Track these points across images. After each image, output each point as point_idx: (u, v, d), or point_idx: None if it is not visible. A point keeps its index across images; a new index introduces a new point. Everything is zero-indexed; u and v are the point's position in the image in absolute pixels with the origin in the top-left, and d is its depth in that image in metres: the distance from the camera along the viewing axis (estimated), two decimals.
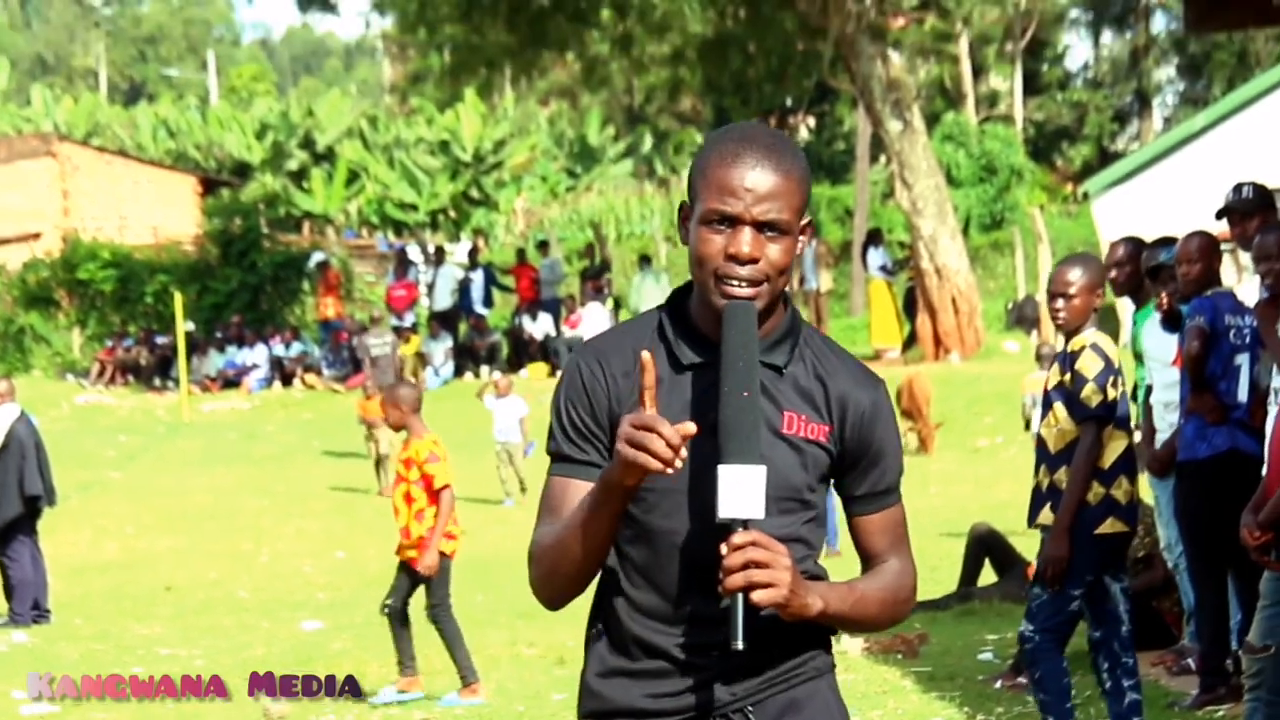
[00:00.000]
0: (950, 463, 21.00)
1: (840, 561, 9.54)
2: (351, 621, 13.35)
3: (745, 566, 2.94)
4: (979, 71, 54.51)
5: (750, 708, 3.18)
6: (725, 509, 2.96)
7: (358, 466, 22.40)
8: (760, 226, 3.08)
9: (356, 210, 51.46)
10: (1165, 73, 59.49)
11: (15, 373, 32.29)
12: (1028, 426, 20.26)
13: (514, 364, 30.89)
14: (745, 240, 3.07)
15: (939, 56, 52.09)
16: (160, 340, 34.30)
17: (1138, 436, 8.92)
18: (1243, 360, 8.09)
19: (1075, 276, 6.90)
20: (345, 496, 21.25)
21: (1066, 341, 7.02)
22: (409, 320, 31.73)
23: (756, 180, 3.07)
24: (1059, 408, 6.92)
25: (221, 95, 76.26)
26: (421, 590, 10.07)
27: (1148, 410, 9.11)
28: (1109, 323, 26.75)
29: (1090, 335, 6.90)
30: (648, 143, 58.54)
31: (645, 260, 34.20)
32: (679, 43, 31.89)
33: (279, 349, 33.13)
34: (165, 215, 41.67)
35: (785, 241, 3.10)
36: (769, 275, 3.09)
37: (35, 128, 54.73)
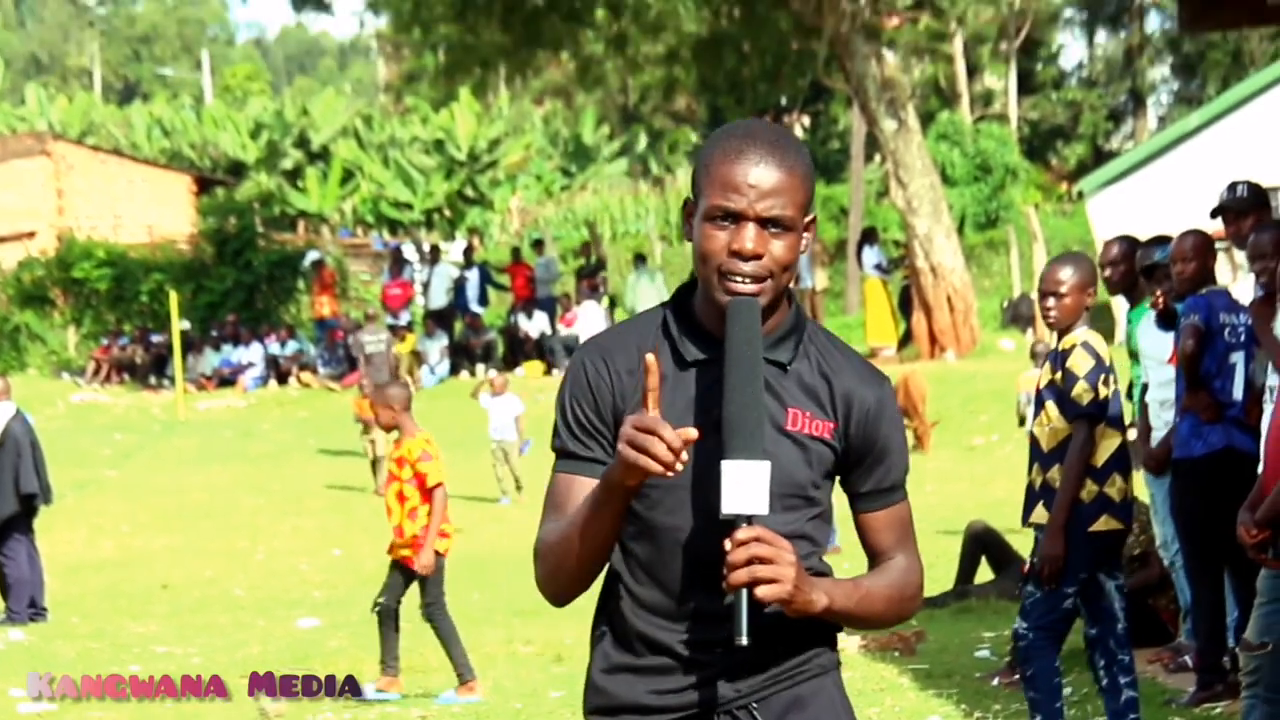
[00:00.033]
0: (946, 461, 21.02)
1: (839, 558, 9.55)
2: (348, 619, 13.35)
3: (749, 562, 2.94)
4: (973, 71, 54.53)
5: (755, 704, 3.18)
6: (729, 505, 2.96)
7: (354, 465, 22.40)
8: (764, 223, 3.08)
9: (351, 209, 51.43)
10: (1159, 72, 59.52)
11: (10, 371, 32.28)
12: (1022, 424, 20.28)
13: (509, 362, 30.90)
14: (749, 236, 3.07)
15: (933, 56, 52.11)
16: (156, 339, 34.30)
17: (1132, 434, 8.95)
18: (1238, 358, 8.11)
19: (1066, 275, 6.91)
20: (341, 495, 21.25)
21: (1059, 340, 7.04)
22: (404, 319, 31.73)
23: (760, 176, 3.08)
24: (1051, 406, 6.93)
25: (216, 94, 76.20)
26: (416, 589, 10.07)
27: (1143, 408, 9.13)
28: (1104, 321, 26.78)
29: (1081, 334, 6.91)
30: (642, 142, 58.53)
31: (640, 259, 34.20)
32: (673, 42, 31.90)
33: (274, 347, 33.13)
34: (160, 214, 41.66)
35: (789, 238, 3.10)
36: (773, 271, 3.09)
37: (30, 127, 54.70)
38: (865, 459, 3.21)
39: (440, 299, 32.23)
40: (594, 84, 38.11)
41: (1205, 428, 8.10)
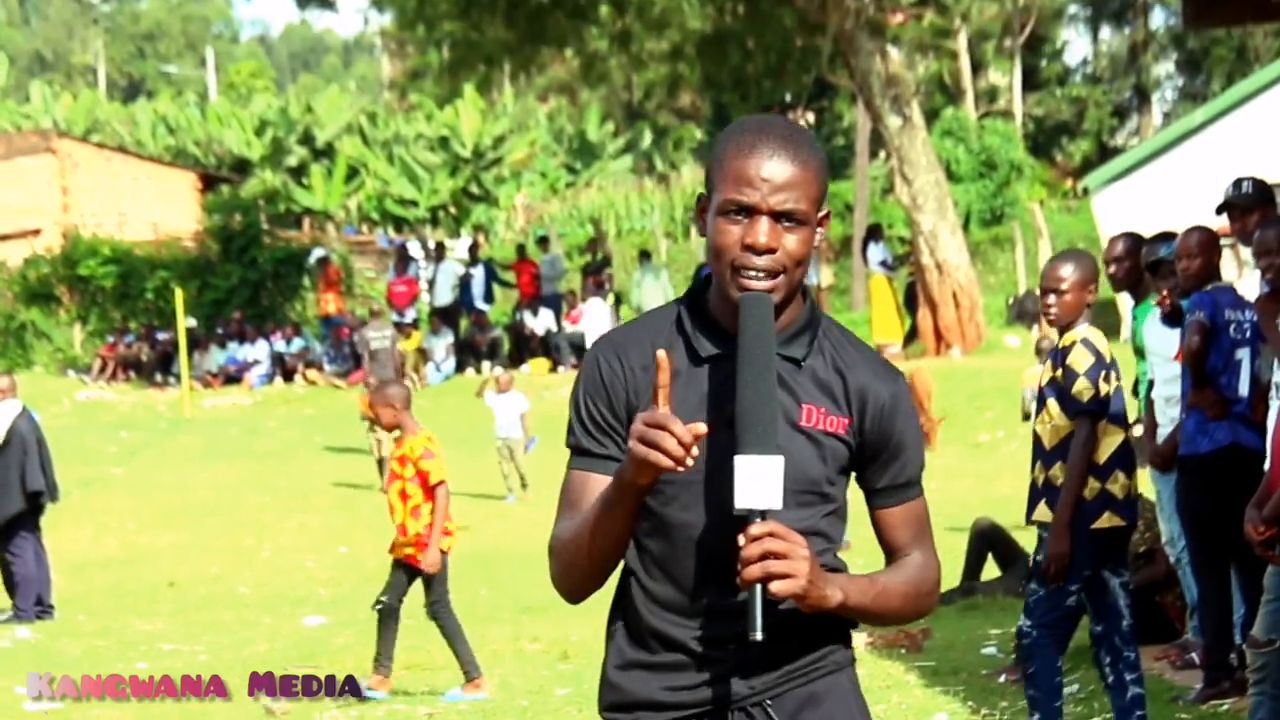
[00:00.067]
0: (952, 457, 21.02)
1: (849, 555, 9.55)
2: (354, 617, 13.35)
3: (763, 557, 2.94)
4: (978, 67, 54.49)
5: (769, 701, 3.17)
6: (742, 500, 2.96)
7: (359, 462, 22.41)
8: (777, 216, 3.08)
9: (356, 206, 51.44)
10: (1164, 68, 59.51)
11: (16, 369, 32.26)
12: (1027, 419, 20.29)
13: (515, 359, 30.91)
14: (762, 230, 3.07)
15: (938, 52, 52.08)
16: (161, 336, 34.32)
17: (1138, 430, 8.94)
18: (1243, 355, 8.11)
19: (1067, 272, 6.91)
20: (347, 492, 21.27)
21: (1060, 337, 7.05)
22: (410, 316, 31.74)
23: (773, 170, 3.07)
24: (1052, 403, 6.94)
25: (220, 92, 76.23)
26: (418, 588, 10.07)
27: (1149, 405, 9.12)
28: (1109, 317, 26.77)
29: (1081, 331, 6.91)
30: (647, 138, 58.52)
31: (645, 255, 34.21)
32: (678, 39, 31.90)
33: (280, 345, 33.14)
34: (165, 211, 41.68)
35: (803, 232, 3.10)
36: (786, 266, 3.09)
37: (35, 124, 54.71)
38: (880, 455, 3.21)
39: (445, 296, 32.24)
40: (598, 81, 38.13)
41: (1211, 424, 8.10)
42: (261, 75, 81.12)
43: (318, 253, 36.30)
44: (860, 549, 6.78)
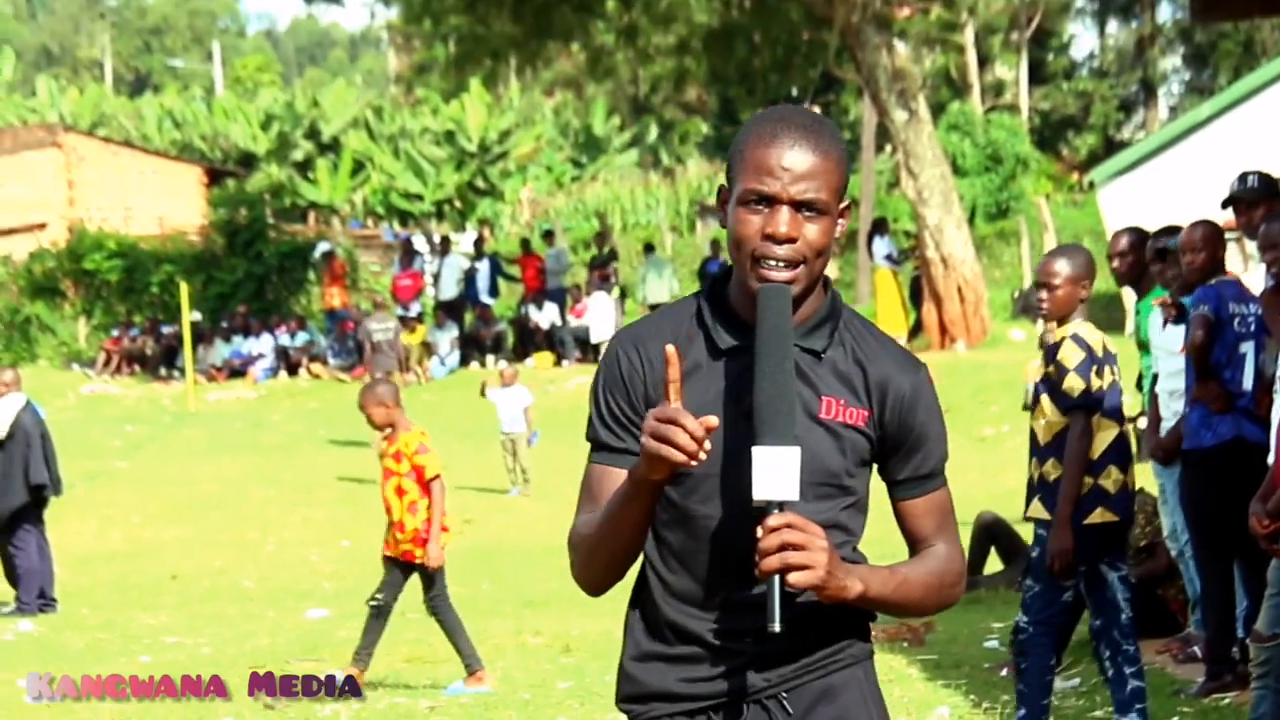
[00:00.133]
0: (956, 451, 20.72)
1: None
2: (357, 610, 13.30)
3: (781, 548, 2.92)
4: (984, 61, 54.46)
5: (785, 694, 3.16)
6: (760, 491, 2.95)
7: (364, 456, 22.40)
8: (798, 206, 3.07)
9: (362, 200, 51.47)
10: (1171, 62, 59.44)
11: (21, 362, 32.30)
12: (1026, 410, 20.27)
13: (519, 353, 30.92)
14: (783, 220, 3.05)
15: (944, 46, 52.05)
16: (166, 330, 34.35)
17: (1143, 424, 8.92)
18: (1247, 348, 8.09)
19: (1060, 267, 6.92)
20: (351, 486, 21.26)
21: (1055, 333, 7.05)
22: (415, 310, 31.74)
23: (794, 160, 3.06)
24: (1045, 400, 6.95)
25: (226, 86, 76.31)
26: (417, 583, 10.04)
27: (1153, 399, 9.11)
28: (1114, 312, 26.75)
29: (1073, 326, 6.90)
30: (653, 133, 58.53)
31: (649, 249, 34.19)
32: (684, 33, 31.85)
33: (285, 339, 33.15)
34: (170, 205, 41.71)
35: (824, 222, 3.09)
36: (806, 256, 3.07)
37: (41, 118, 54.76)
38: (902, 446, 3.20)
39: (450, 290, 32.23)
40: (604, 75, 38.07)
41: (1215, 418, 8.09)
42: (268, 69, 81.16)
43: (323, 247, 36.31)
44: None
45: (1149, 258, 9.05)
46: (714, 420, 2.92)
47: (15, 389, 14.25)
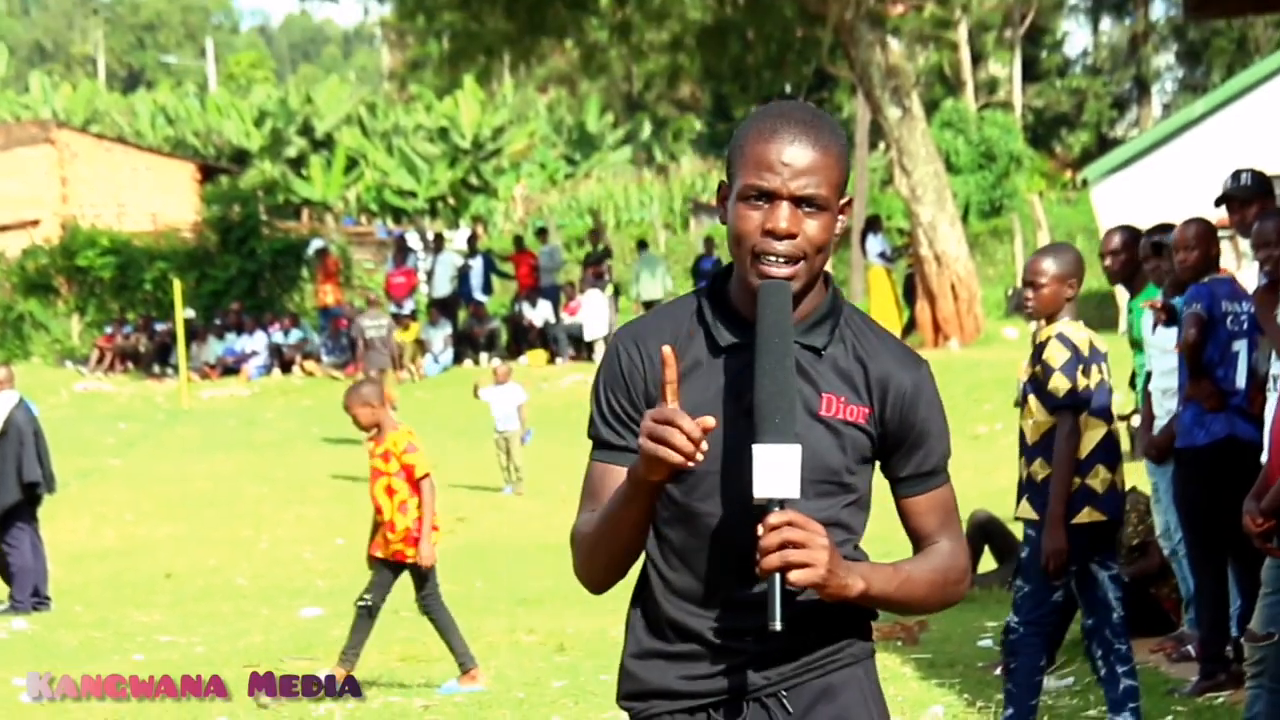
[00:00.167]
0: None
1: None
2: (351, 609, 13.33)
3: (782, 546, 2.92)
4: (978, 58, 54.46)
5: (784, 692, 3.16)
6: (760, 489, 2.95)
7: (357, 453, 22.34)
8: (798, 201, 3.06)
9: (355, 197, 51.44)
10: (1164, 59, 59.47)
11: (14, 360, 32.26)
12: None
13: (513, 351, 30.90)
14: (783, 215, 3.05)
15: (938, 43, 52.03)
16: (159, 327, 34.31)
17: (1136, 421, 8.92)
18: (1240, 347, 8.10)
19: (1045, 266, 6.92)
20: (345, 483, 21.24)
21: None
22: (408, 307, 31.72)
23: (794, 155, 3.06)
24: (1033, 399, 6.96)
25: (220, 82, 76.24)
26: (408, 582, 10.03)
27: (1146, 397, 9.11)
28: (1107, 310, 26.77)
29: (1058, 325, 6.91)
30: (646, 130, 58.51)
31: (642, 245, 34.17)
32: (678, 29, 31.85)
33: (278, 336, 33.12)
34: (164, 202, 41.66)
35: (824, 218, 3.08)
36: (807, 252, 3.07)
37: (34, 115, 54.69)
38: (904, 443, 3.19)
39: (444, 287, 32.21)
40: (598, 72, 38.04)
41: (1208, 417, 8.09)
42: (261, 66, 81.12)
43: (316, 244, 36.26)
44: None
45: (1144, 254, 9.05)
46: (711, 421, 2.92)
47: (8, 386, 14.24)
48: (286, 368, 32.46)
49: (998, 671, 9.08)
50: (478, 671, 9.96)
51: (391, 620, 11.85)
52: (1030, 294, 6.95)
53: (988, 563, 12.60)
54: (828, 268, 3.19)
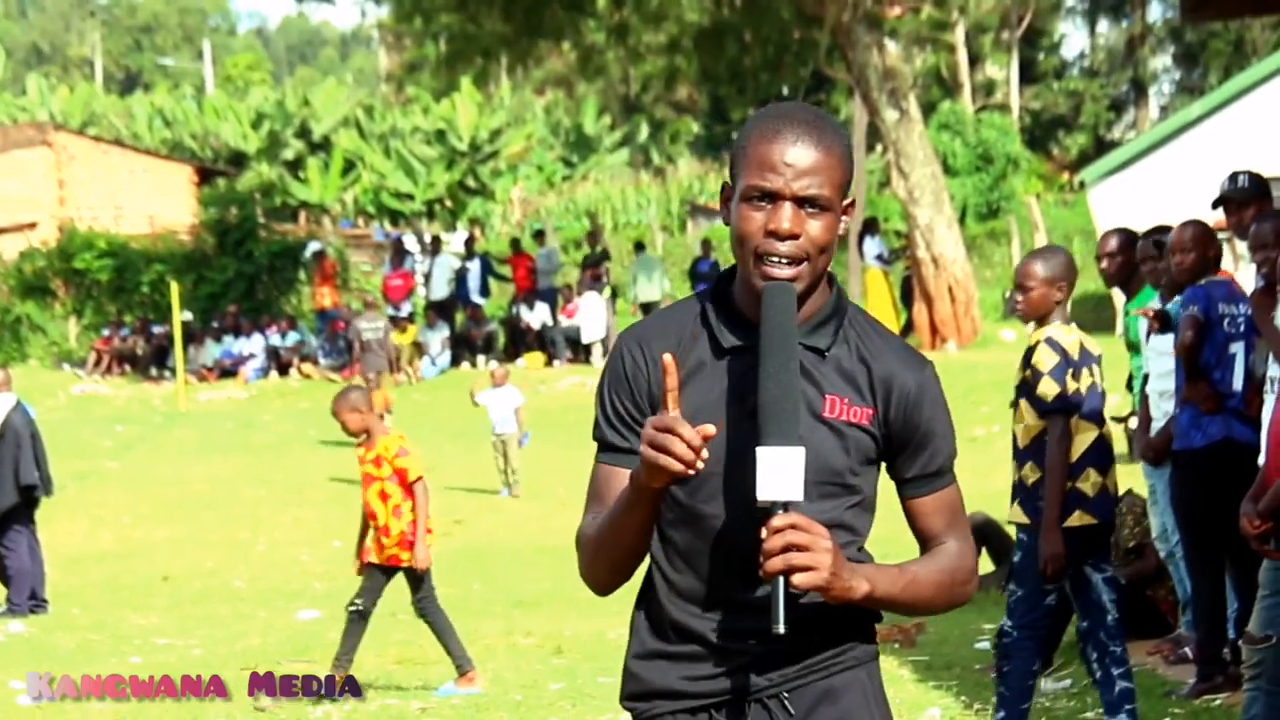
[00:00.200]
0: None
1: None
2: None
3: (785, 549, 2.92)
4: (975, 60, 54.49)
5: (786, 694, 3.16)
6: (764, 492, 2.95)
7: (354, 456, 22.36)
8: (801, 202, 3.06)
9: (353, 200, 51.43)
10: (1161, 61, 59.51)
11: (11, 362, 32.27)
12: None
13: (511, 353, 30.89)
14: (785, 216, 3.05)
15: (935, 45, 52.06)
16: (157, 330, 34.29)
17: (1134, 424, 8.92)
18: (1237, 349, 8.09)
19: (1035, 269, 6.94)
20: (342, 486, 21.22)
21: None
22: (405, 310, 31.71)
23: (797, 155, 3.06)
24: (1024, 403, 6.96)
25: (217, 84, 76.24)
26: (403, 586, 10.02)
27: (1143, 399, 9.11)
28: (1104, 312, 26.77)
29: (1048, 329, 6.91)
30: (644, 132, 58.53)
31: (639, 247, 34.16)
32: (675, 32, 31.85)
33: (275, 338, 33.11)
34: (161, 205, 41.63)
35: (826, 218, 3.08)
36: (809, 253, 3.07)
37: (31, 117, 54.68)
38: (909, 444, 3.18)
39: (441, 290, 32.20)
40: (595, 74, 38.06)
41: (1205, 419, 8.08)
42: (258, 68, 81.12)
43: (313, 246, 36.25)
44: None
45: (1142, 255, 9.03)
46: (711, 430, 2.92)
47: (5, 389, 14.23)
48: (284, 370, 32.44)
49: (994, 674, 9.10)
50: (475, 674, 9.96)
51: (388, 623, 11.85)
52: (1020, 296, 6.96)
53: (985, 565, 12.58)
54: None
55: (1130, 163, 30.74)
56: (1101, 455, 6.94)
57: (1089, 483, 6.91)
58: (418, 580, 9.91)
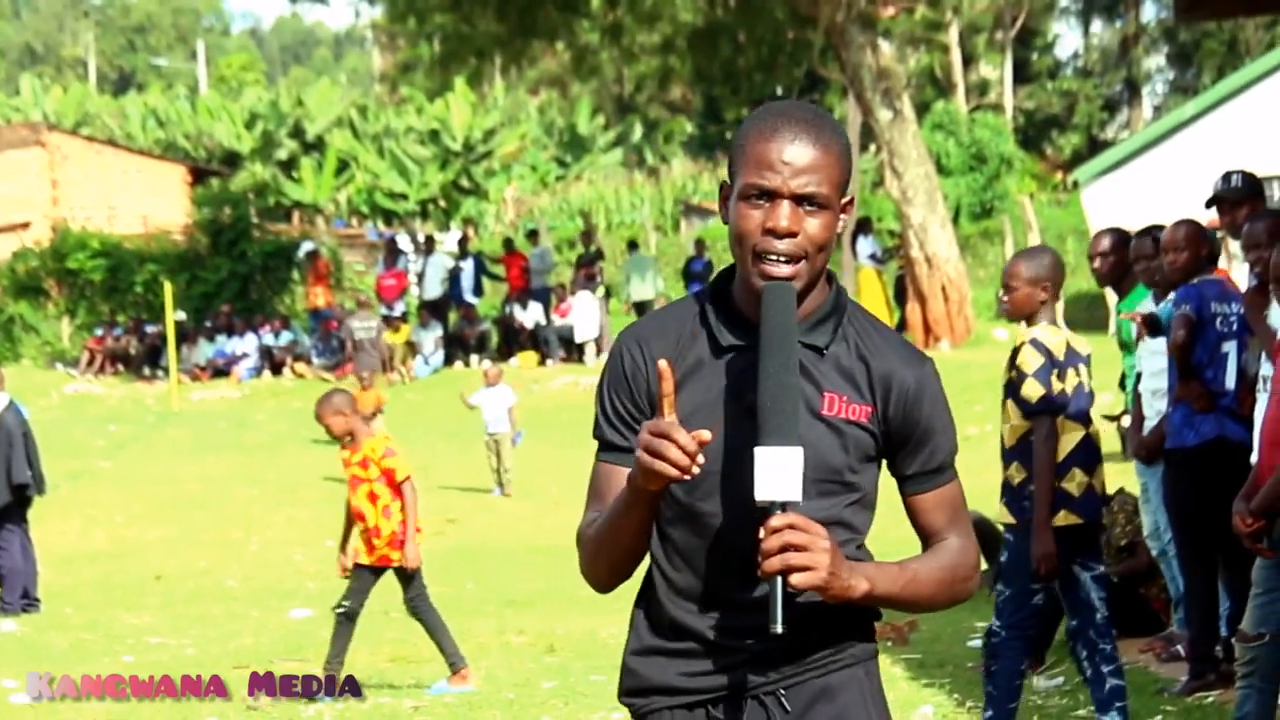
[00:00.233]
0: None
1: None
2: None
3: (783, 549, 2.92)
4: (969, 60, 54.51)
5: (783, 691, 3.16)
6: (762, 491, 2.94)
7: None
8: (799, 200, 3.06)
9: (346, 199, 51.42)
10: (1155, 61, 59.52)
11: (4, 362, 32.24)
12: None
13: (504, 353, 30.88)
14: (783, 214, 3.05)
15: (929, 45, 52.11)
16: (150, 329, 34.28)
17: (1126, 422, 8.92)
18: (1230, 348, 8.10)
19: (1020, 269, 6.95)
20: (335, 486, 21.20)
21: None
22: (399, 309, 31.70)
23: (795, 154, 3.06)
24: (1010, 404, 6.97)
25: (211, 85, 76.22)
26: (394, 585, 10.01)
27: (1136, 398, 9.11)
28: (1097, 311, 26.79)
29: (1034, 330, 6.92)
30: (637, 132, 58.53)
31: (633, 246, 34.15)
32: (669, 32, 31.86)
33: (269, 338, 33.09)
34: (154, 205, 41.62)
35: (825, 216, 3.08)
36: (808, 251, 3.06)
37: (24, 117, 54.68)
38: (909, 441, 3.18)
39: (435, 289, 32.19)
40: (589, 74, 38.09)
41: (1197, 418, 8.09)
42: (252, 68, 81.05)
43: (307, 246, 36.24)
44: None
45: (1138, 253, 9.02)
46: (707, 435, 2.92)
47: None
48: (277, 370, 32.43)
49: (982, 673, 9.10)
50: (468, 672, 9.96)
51: (381, 621, 11.85)
52: (1005, 296, 6.98)
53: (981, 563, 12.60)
54: None
55: (1124, 162, 30.77)
56: (1088, 455, 6.94)
57: (1074, 482, 6.92)
58: (408, 579, 9.91)
